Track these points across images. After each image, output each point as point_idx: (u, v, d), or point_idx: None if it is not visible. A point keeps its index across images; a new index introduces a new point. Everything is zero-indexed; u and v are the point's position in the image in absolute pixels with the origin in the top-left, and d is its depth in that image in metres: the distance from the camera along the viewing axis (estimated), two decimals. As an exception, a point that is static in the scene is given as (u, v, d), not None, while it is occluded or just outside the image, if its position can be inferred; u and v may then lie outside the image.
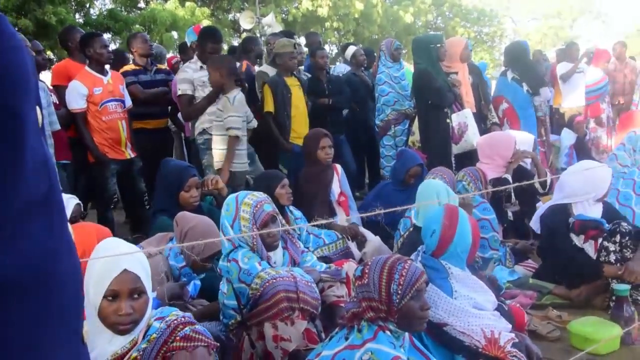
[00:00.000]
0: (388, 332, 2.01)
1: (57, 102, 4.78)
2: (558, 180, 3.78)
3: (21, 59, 0.67)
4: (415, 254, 2.76)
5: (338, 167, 4.44)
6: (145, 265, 1.90)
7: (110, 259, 1.75)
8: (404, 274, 2.04)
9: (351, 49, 7.06)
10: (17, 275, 0.64)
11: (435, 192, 3.30)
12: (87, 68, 4.75)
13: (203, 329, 1.89)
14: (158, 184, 3.82)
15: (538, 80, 5.92)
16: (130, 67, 5.68)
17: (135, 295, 1.79)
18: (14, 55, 0.66)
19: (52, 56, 10.67)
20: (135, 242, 3.29)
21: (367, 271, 2.10)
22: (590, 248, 3.40)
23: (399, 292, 2.02)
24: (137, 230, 5.02)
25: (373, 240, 4.07)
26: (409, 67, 6.84)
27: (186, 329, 1.83)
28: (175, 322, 1.85)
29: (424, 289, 2.10)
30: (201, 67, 4.66)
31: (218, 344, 1.90)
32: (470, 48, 6.02)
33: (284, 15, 16.90)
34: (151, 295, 1.88)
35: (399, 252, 3.24)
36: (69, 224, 0.77)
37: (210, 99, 4.56)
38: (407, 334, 2.12)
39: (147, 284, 1.85)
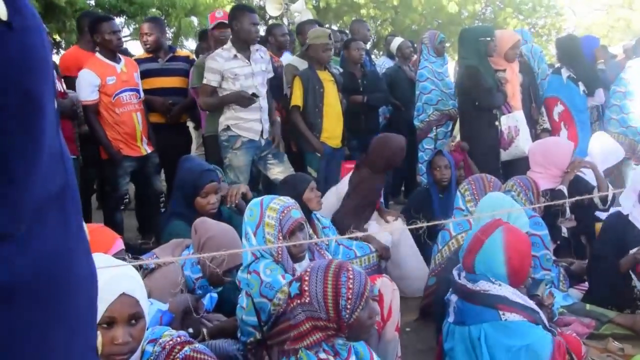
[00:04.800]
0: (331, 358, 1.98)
1: (63, 91, 4.69)
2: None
3: (42, 42, 0.65)
4: (456, 268, 2.74)
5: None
6: (142, 284, 1.84)
7: (106, 280, 1.64)
8: (350, 285, 1.97)
9: (397, 41, 7.02)
10: (30, 277, 0.64)
11: (492, 208, 3.20)
12: (98, 55, 4.61)
13: (203, 347, 1.86)
14: (175, 185, 3.80)
15: (596, 81, 5.79)
16: (142, 55, 5.51)
17: (133, 321, 1.73)
18: (36, 37, 0.64)
19: (59, 39, 10.80)
20: (142, 250, 3.29)
21: (306, 288, 2.00)
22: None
23: (349, 307, 1.95)
24: (149, 235, 5.00)
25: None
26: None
27: (185, 349, 1.80)
28: (170, 343, 1.81)
29: (370, 295, 2.05)
30: (235, 55, 4.55)
31: None
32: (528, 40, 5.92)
33: (314, 1, 16.91)
34: (148, 318, 1.83)
35: (447, 267, 3.21)
36: (84, 223, 0.76)
37: (239, 100, 4.52)
38: None
39: (145, 307, 1.80)
